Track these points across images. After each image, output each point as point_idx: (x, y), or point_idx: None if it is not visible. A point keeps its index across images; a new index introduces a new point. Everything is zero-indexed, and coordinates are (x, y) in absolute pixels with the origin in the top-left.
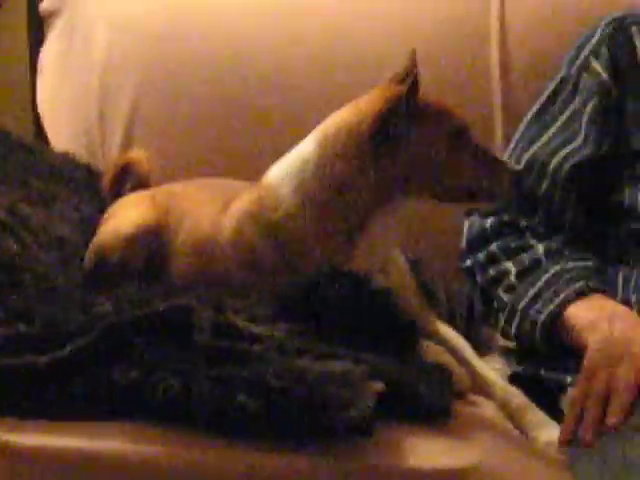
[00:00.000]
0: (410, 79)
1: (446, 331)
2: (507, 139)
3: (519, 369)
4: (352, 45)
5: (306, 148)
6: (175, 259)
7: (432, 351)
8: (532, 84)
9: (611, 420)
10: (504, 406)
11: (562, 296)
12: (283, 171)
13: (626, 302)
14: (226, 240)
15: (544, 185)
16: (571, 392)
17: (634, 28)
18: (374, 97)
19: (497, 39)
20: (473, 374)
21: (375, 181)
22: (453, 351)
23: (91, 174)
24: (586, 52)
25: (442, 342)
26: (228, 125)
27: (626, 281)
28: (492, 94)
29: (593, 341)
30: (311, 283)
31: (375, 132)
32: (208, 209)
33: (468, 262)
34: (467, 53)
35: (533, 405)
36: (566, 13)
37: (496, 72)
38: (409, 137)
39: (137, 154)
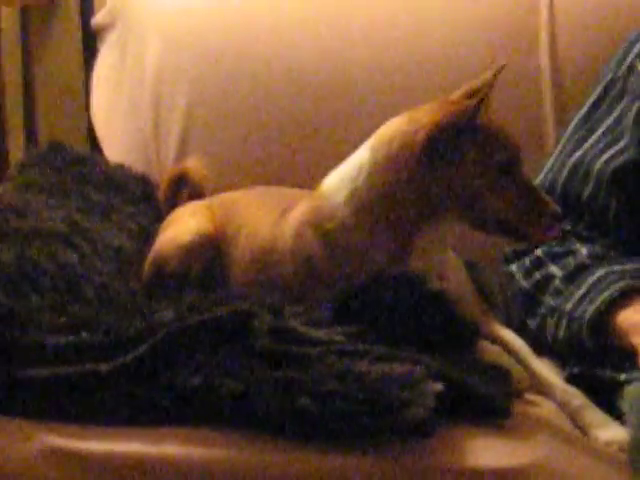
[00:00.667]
0: (480, 96)
1: (505, 333)
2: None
3: (574, 369)
4: (402, 52)
5: (360, 155)
6: (234, 267)
7: (490, 351)
8: (583, 87)
9: None
10: (564, 406)
11: (606, 294)
12: (338, 179)
13: None
14: (286, 248)
15: (589, 188)
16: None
17: None
18: (433, 108)
19: (547, 42)
20: (532, 375)
21: (419, 194)
22: (512, 352)
23: (146, 185)
24: (633, 55)
25: (501, 344)
26: (281, 134)
27: None
28: (543, 98)
29: None
30: (368, 286)
31: (428, 144)
32: (266, 217)
33: (514, 267)
34: (517, 56)
35: (593, 405)
36: (616, 14)
37: (547, 75)
38: (461, 156)
39: (192, 163)
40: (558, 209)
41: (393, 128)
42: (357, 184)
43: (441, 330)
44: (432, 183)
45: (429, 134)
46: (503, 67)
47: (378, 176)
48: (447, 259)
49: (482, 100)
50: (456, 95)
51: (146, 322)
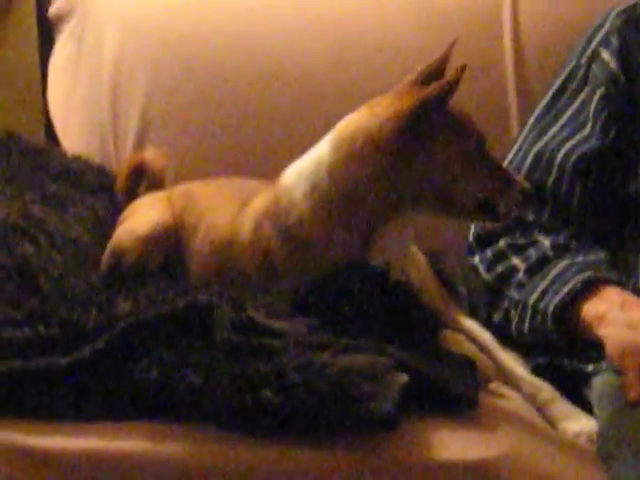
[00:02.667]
0: (447, 83)
1: (470, 324)
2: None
3: (540, 360)
4: (364, 41)
5: (321, 150)
6: (193, 259)
7: (455, 341)
8: (546, 75)
9: None
10: (532, 399)
11: (570, 285)
12: (298, 173)
13: None
14: (244, 240)
15: (551, 178)
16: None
17: None
18: (392, 99)
19: (510, 30)
20: (499, 366)
21: (386, 190)
22: (478, 343)
23: (104, 176)
24: (596, 42)
25: (466, 335)
26: (241, 123)
27: None
28: (507, 87)
29: (609, 334)
30: (330, 278)
31: (396, 138)
32: (226, 209)
33: (476, 259)
34: (480, 46)
35: (561, 397)
36: (579, 2)
37: (510, 64)
38: (432, 144)
39: (150, 153)
40: (528, 185)
41: (354, 124)
42: (317, 180)
43: (405, 320)
44: (403, 176)
45: (396, 127)
46: (454, 44)
47: (340, 173)
48: (409, 254)
49: (452, 84)
50: (408, 80)
51: (104, 315)
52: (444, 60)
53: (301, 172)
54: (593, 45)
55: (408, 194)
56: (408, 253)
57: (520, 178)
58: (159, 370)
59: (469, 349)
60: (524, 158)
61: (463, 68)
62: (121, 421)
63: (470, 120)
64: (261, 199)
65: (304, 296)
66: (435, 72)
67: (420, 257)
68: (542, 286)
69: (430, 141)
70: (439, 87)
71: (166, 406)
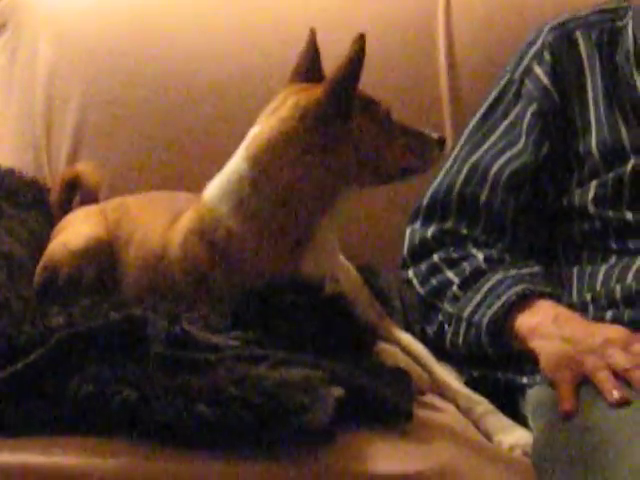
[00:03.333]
0: (349, 59)
1: (405, 337)
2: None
3: (474, 372)
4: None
5: (239, 164)
6: (126, 273)
7: (388, 353)
8: (481, 89)
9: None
10: (467, 411)
11: (503, 299)
12: (219, 190)
13: (583, 301)
14: (174, 255)
15: (485, 192)
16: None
17: (578, 32)
18: (295, 98)
19: (444, 45)
20: (435, 380)
21: (317, 181)
22: (412, 356)
23: (39, 190)
24: (529, 58)
25: (401, 348)
26: (176, 137)
27: (580, 281)
28: (441, 101)
29: (542, 347)
30: (263, 291)
31: (319, 124)
32: (157, 223)
33: (410, 273)
34: (414, 60)
35: (496, 410)
36: (514, 16)
37: (444, 78)
38: (351, 124)
39: (85, 167)
40: (440, 135)
41: (267, 131)
42: (242, 195)
43: (338, 333)
44: (327, 164)
45: (316, 116)
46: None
47: (264, 183)
48: (338, 263)
49: (353, 69)
50: (289, 82)
51: (36, 329)
52: (310, 54)
53: (223, 188)
54: (526, 61)
55: (340, 177)
56: (338, 263)
57: (430, 131)
58: (93, 384)
59: (404, 362)
60: (458, 171)
61: (361, 37)
62: (55, 436)
63: (368, 94)
64: (188, 215)
65: (239, 310)
66: (310, 68)
67: (351, 269)
68: (476, 299)
69: (349, 120)
70: (345, 65)
71: (101, 420)
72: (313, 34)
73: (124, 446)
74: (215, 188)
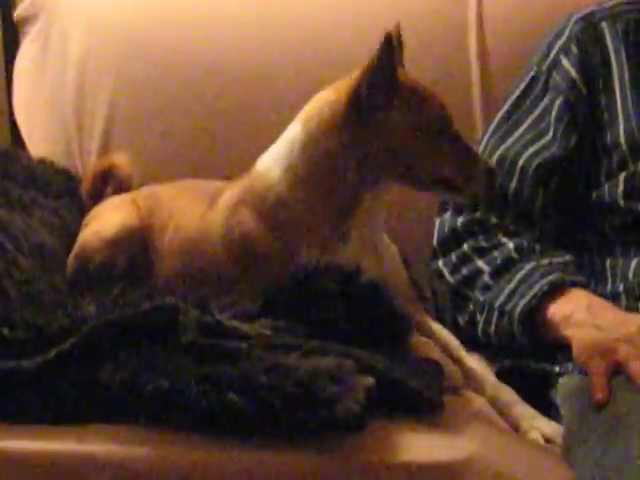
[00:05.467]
0: (381, 50)
1: (436, 327)
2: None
3: (506, 363)
4: (330, 43)
5: (292, 130)
6: (161, 260)
7: (423, 346)
8: (511, 74)
9: None
10: (494, 401)
11: (536, 288)
12: (271, 158)
13: (615, 292)
14: (216, 235)
15: (513, 182)
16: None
17: (604, 24)
18: (354, 75)
19: (475, 30)
20: (463, 370)
21: (357, 159)
22: (443, 346)
23: (70, 179)
24: (556, 50)
25: (432, 338)
26: (206, 126)
27: (612, 271)
28: (471, 85)
29: (576, 335)
30: (299, 278)
31: (351, 106)
32: (194, 208)
33: (440, 263)
34: (445, 45)
35: (521, 400)
36: (541, 10)
37: (475, 63)
38: (388, 116)
39: (118, 158)
40: (492, 164)
41: (321, 100)
42: (292, 159)
43: (376, 324)
44: (365, 147)
45: (349, 95)
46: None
47: (311, 148)
48: (382, 241)
49: (386, 49)
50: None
51: (69, 318)
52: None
53: (275, 156)
54: (554, 53)
55: (374, 165)
56: (383, 243)
57: (484, 157)
58: (125, 373)
59: (437, 354)
60: None
61: (388, 35)
62: (88, 424)
63: (432, 96)
64: (230, 192)
65: (271, 295)
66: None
67: (394, 250)
68: (508, 288)
69: (385, 111)
70: (373, 57)
71: (133, 409)
72: (397, 29)
73: (155, 434)
74: (269, 155)
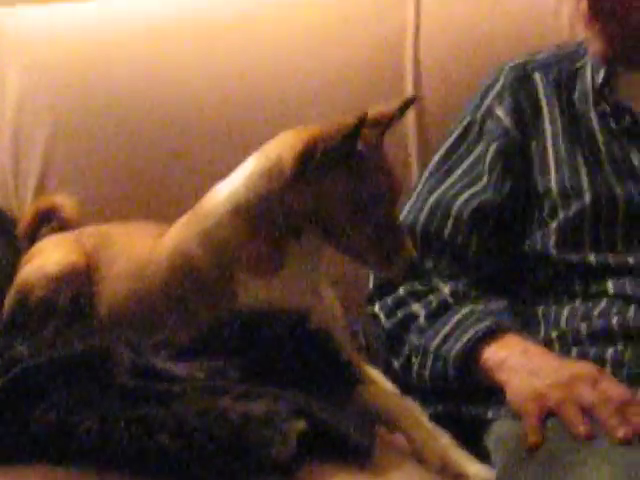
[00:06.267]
0: (348, 128)
1: (374, 373)
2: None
3: (439, 407)
4: (273, 83)
5: (247, 162)
6: (107, 291)
7: (371, 393)
8: (446, 121)
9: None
10: (429, 444)
11: (471, 332)
12: (225, 182)
13: (548, 339)
14: (162, 254)
15: (448, 227)
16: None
17: (536, 74)
18: (323, 125)
19: (412, 78)
20: (399, 414)
21: (283, 209)
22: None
23: (5, 219)
24: (490, 98)
25: (370, 383)
26: (143, 169)
27: (545, 318)
28: (408, 131)
29: (510, 380)
30: (244, 315)
31: (297, 161)
32: (146, 240)
33: (376, 307)
34: (382, 91)
35: (457, 444)
36: (479, 47)
37: (411, 109)
38: (328, 181)
39: (62, 199)
40: (413, 253)
41: (280, 138)
42: (236, 186)
43: (318, 368)
44: (296, 199)
45: (299, 151)
46: (412, 100)
47: (254, 182)
48: (325, 285)
49: (360, 123)
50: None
51: (1, 358)
52: (385, 115)
53: (227, 182)
54: (487, 101)
55: (299, 219)
56: (324, 286)
57: (409, 247)
58: (56, 414)
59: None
60: (421, 208)
61: (361, 119)
62: (18, 465)
63: (384, 172)
64: (180, 221)
65: (210, 334)
66: (377, 122)
67: (335, 300)
68: (443, 332)
69: (327, 177)
70: (340, 129)
71: (64, 450)
72: (409, 101)
73: (88, 476)
74: (224, 182)
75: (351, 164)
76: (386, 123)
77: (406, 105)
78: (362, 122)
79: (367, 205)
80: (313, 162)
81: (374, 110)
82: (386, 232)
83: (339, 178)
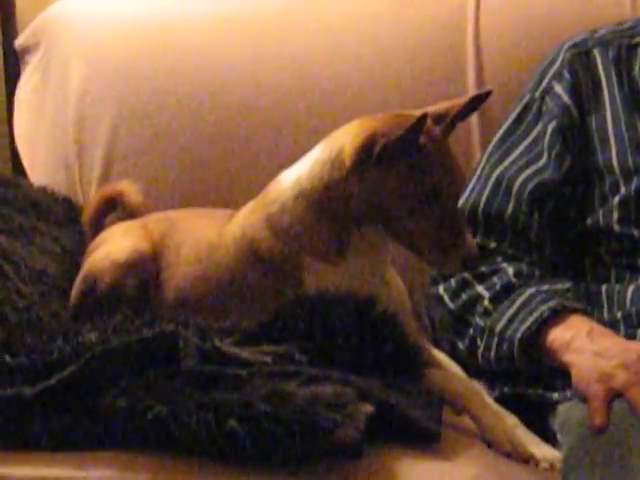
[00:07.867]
0: (411, 128)
1: (439, 355)
2: None
3: (505, 389)
4: (331, 70)
5: (314, 150)
6: (174, 277)
7: (437, 377)
8: (507, 101)
9: None
10: (496, 426)
11: (536, 314)
12: (293, 168)
13: (613, 319)
14: (229, 240)
15: (510, 206)
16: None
17: (595, 50)
18: (385, 118)
19: (473, 60)
20: (467, 397)
21: (343, 200)
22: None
23: (71, 208)
24: (549, 76)
25: (437, 366)
26: (206, 156)
27: (609, 299)
28: (470, 121)
29: (576, 361)
30: (311, 302)
31: (358, 154)
32: (213, 224)
33: (441, 288)
34: (444, 80)
35: (523, 426)
36: (540, 30)
37: (473, 91)
38: (390, 174)
39: (126, 186)
40: (474, 248)
41: (347, 128)
42: (301, 173)
43: (385, 353)
44: (356, 190)
45: (359, 143)
46: (489, 93)
47: (318, 170)
48: (390, 272)
49: (421, 121)
50: (431, 110)
51: (70, 345)
52: (452, 109)
53: (294, 168)
54: (546, 79)
55: (358, 211)
56: (389, 273)
57: (471, 242)
58: (126, 400)
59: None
60: (483, 187)
61: (422, 118)
62: (88, 450)
63: (447, 166)
64: (247, 207)
65: (278, 317)
66: (443, 116)
67: (401, 285)
68: (509, 314)
69: (388, 171)
70: (393, 127)
71: (133, 435)
72: (470, 99)
73: (156, 460)
74: (291, 168)
75: (413, 159)
76: (452, 119)
77: (479, 100)
78: (424, 119)
79: (427, 201)
80: (373, 155)
81: (441, 105)
82: (445, 228)
83: (400, 172)
